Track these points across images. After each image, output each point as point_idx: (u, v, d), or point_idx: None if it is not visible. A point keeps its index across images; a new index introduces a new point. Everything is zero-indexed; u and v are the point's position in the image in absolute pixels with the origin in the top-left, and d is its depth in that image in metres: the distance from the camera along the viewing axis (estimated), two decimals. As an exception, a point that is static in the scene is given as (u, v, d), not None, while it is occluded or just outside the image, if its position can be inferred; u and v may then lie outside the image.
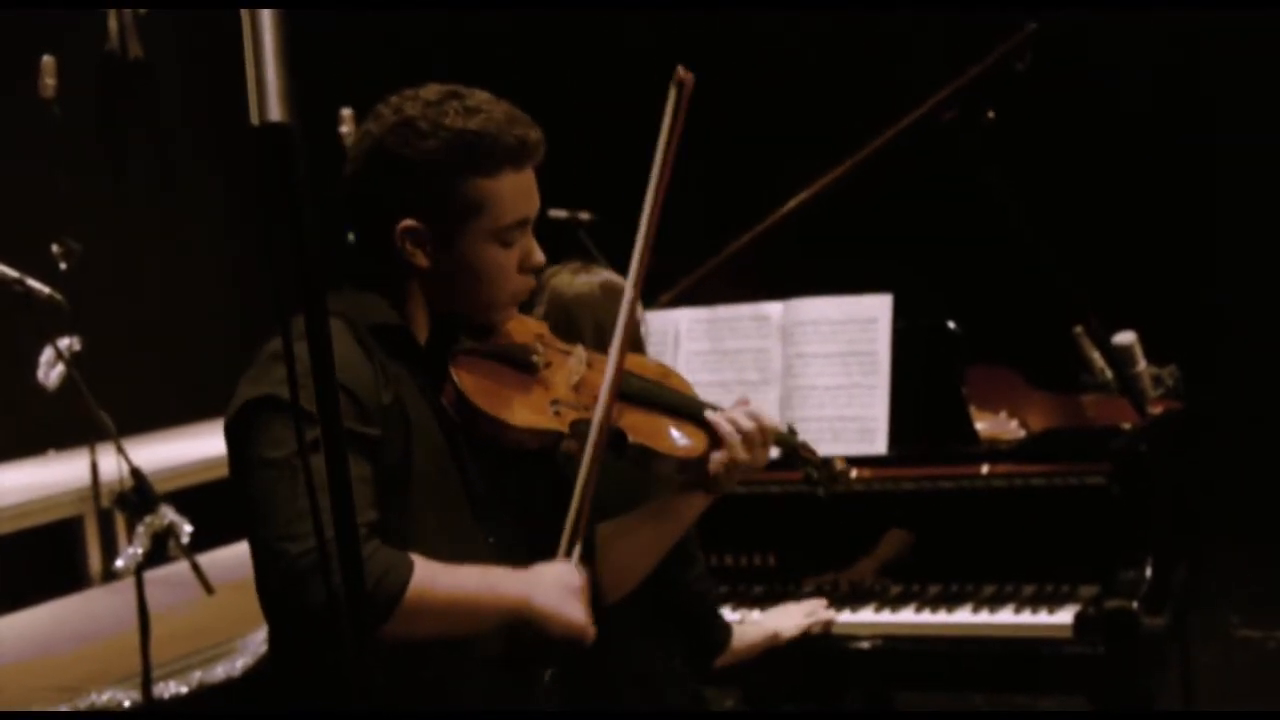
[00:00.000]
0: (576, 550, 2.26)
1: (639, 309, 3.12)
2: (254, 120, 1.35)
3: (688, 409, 2.48)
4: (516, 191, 2.28)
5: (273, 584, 2.07)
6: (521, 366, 2.35)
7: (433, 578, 2.11)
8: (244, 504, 2.12)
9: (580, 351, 2.44)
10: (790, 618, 3.31)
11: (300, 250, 1.38)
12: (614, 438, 2.35)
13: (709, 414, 2.46)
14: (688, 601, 3.00)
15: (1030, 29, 3.57)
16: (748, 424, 2.45)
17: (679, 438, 2.43)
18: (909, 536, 3.48)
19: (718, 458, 2.44)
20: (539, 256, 2.35)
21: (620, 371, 2.34)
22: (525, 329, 2.42)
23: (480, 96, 2.28)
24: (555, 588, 2.20)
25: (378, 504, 2.13)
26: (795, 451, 2.62)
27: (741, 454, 2.43)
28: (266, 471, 2.09)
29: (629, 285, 2.39)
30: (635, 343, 2.76)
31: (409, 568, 2.08)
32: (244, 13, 1.39)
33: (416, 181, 2.23)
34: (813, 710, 4.13)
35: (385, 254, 2.27)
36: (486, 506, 2.30)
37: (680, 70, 2.39)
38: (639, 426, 2.40)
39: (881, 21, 7.37)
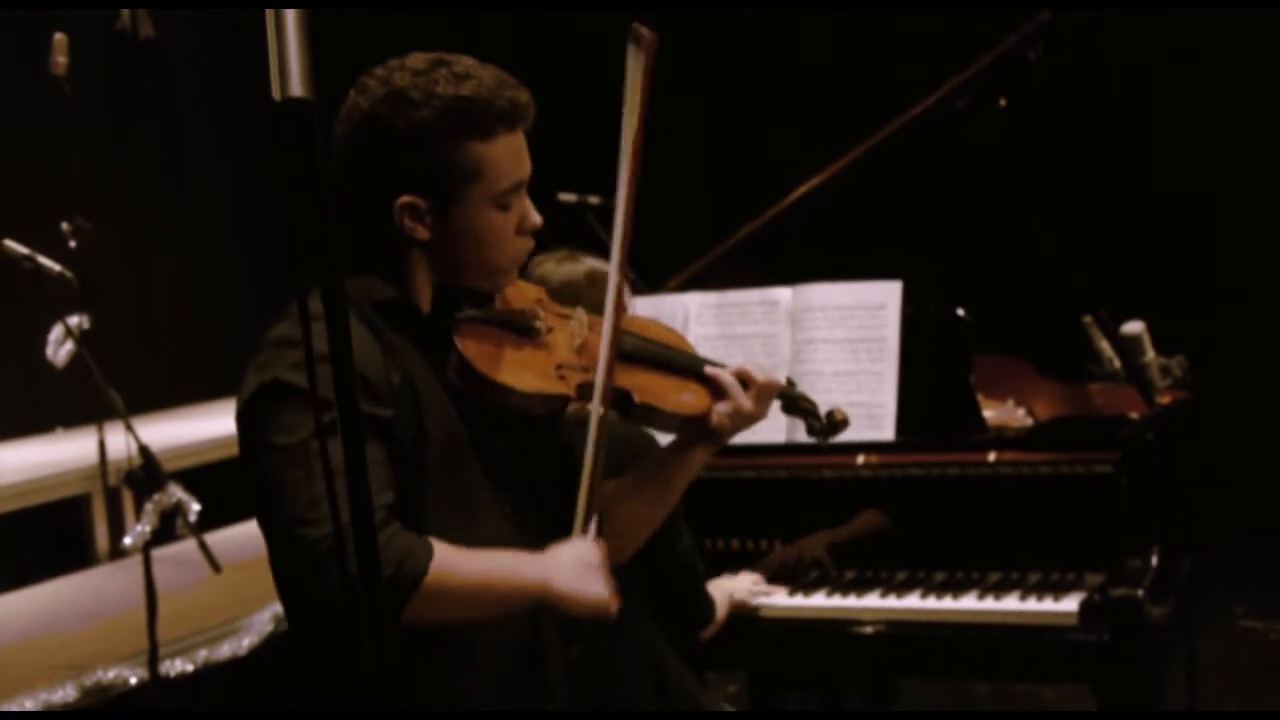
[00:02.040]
0: (593, 526, 2.26)
1: (626, 291, 3.15)
2: (276, 96, 1.36)
3: (689, 365, 2.48)
4: (510, 154, 2.27)
5: (291, 570, 2.07)
6: (523, 332, 2.34)
7: (452, 562, 2.10)
8: (256, 492, 2.11)
9: (580, 314, 2.43)
10: (741, 582, 3.39)
11: (320, 224, 1.38)
12: (620, 398, 2.35)
13: (709, 369, 2.47)
14: (676, 575, 3.01)
15: (1043, 18, 3.57)
16: (749, 375, 2.47)
17: (683, 395, 2.43)
18: (882, 520, 3.50)
19: (721, 409, 2.44)
20: (536, 217, 2.34)
21: (615, 345, 2.32)
22: (524, 294, 2.42)
23: (467, 62, 2.26)
24: (574, 569, 2.20)
25: (394, 485, 2.13)
26: (795, 402, 2.63)
27: (745, 403, 2.44)
28: (279, 457, 2.08)
29: (614, 252, 2.36)
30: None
31: (428, 552, 2.08)
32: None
33: (413, 153, 2.22)
34: (814, 710, 4.14)
35: (383, 230, 2.26)
36: (499, 476, 2.30)
37: (637, 26, 2.30)
38: (643, 386, 2.40)
39: (894, 9, 7.36)
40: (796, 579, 3.51)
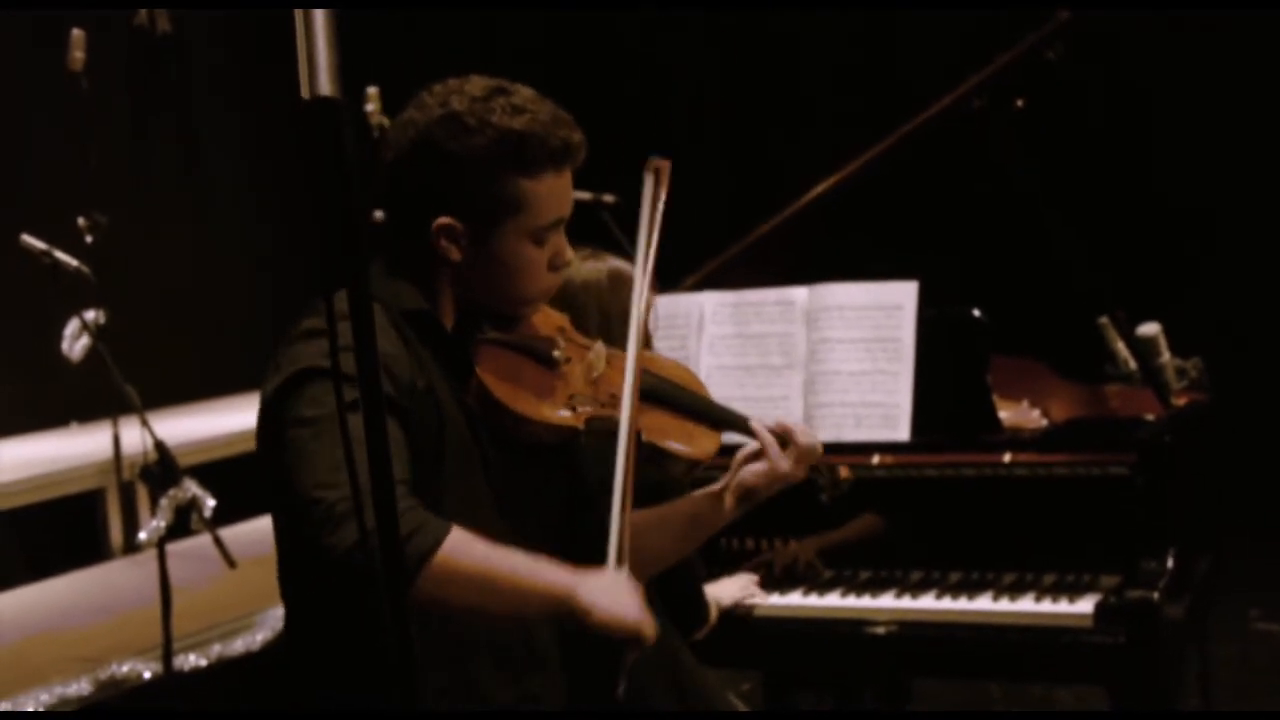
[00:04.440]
0: (626, 559, 2.22)
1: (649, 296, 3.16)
2: (304, 94, 1.36)
3: (705, 411, 2.48)
4: (555, 192, 2.30)
5: (309, 530, 2.04)
6: (542, 360, 2.36)
7: (468, 546, 2.08)
8: (280, 467, 2.11)
9: (600, 347, 2.45)
10: (725, 589, 3.38)
11: (348, 224, 1.39)
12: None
13: (754, 424, 2.47)
14: (678, 576, 3.01)
15: (1062, 17, 3.56)
16: (791, 435, 2.47)
17: (692, 439, 2.44)
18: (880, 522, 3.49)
19: (758, 469, 2.45)
20: (569, 254, 2.37)
21: (639, 378, 2.34)
22: (548, 321, 2.44)
23: (525, 94, 2.28)
24: (606, 587, 2.15)
25: (412, 469, 2.13)
26: (818, 468, 2.62)
27: (782, 465, 2.44)
28: (305, 429, 2.09)
29: (634, 312, 2.39)
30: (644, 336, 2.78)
31: (443, 529, 2.06)
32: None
33: (460, 177, 2.24)
34: (827, 710, 4.14)
35: (419, 244, 2.28)
36: (505, 498, 2.31)
37: (654, 160, 2.42)
38: (653, 426, 2.41)
39: (913, 7, 7.35)
40: (798, 579, 3.51)
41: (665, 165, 2.42)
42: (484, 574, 2.10)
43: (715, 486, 2.53)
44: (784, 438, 2.47)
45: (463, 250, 2.28)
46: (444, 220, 2.26)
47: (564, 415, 2.33)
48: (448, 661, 2.25)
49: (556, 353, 2.37)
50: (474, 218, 2.26)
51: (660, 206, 2.40)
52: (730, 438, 2.55)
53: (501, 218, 2.26)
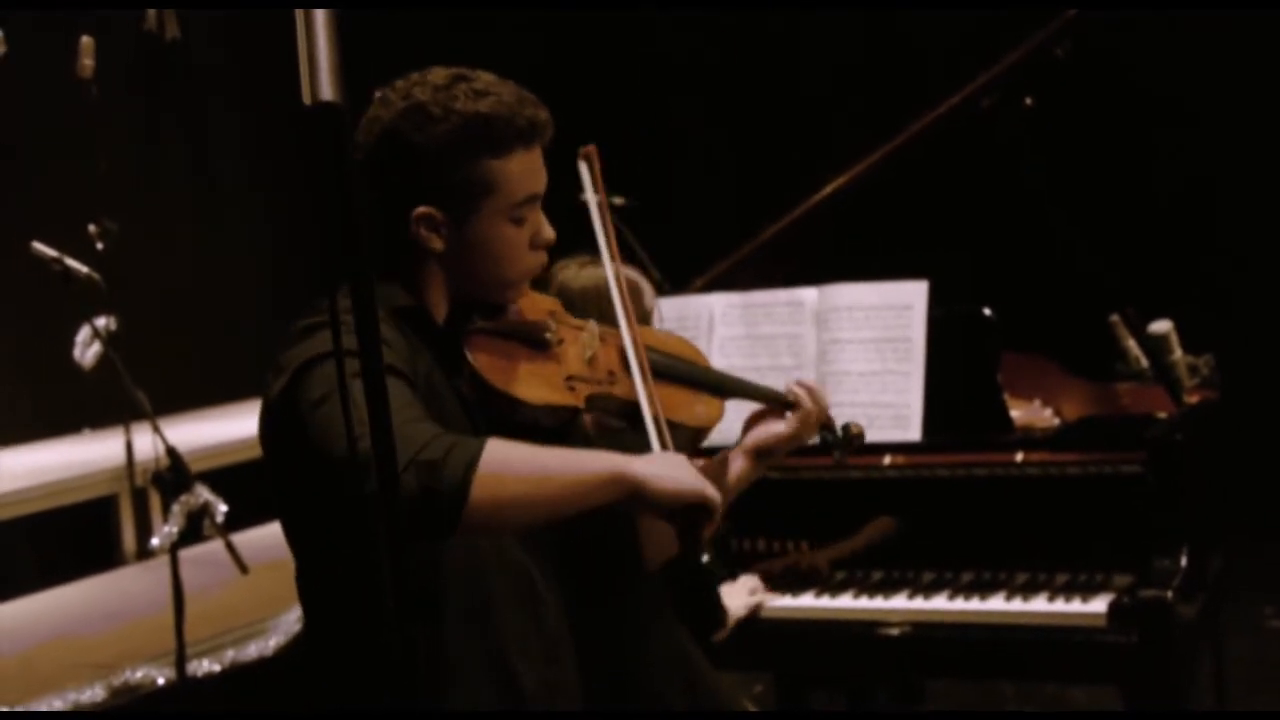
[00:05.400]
0: (669, 440, 2.26)
1: (651, 297, 3.17)
2: (305, 95, 1.36)
3: (712, 381, 2.50)
4: (526, 170, 2.31)
5: (354, 484, 1.98)
6: (534, 343, 2.37)
7: (510, 446, 2.06)
8: (307, 453, 2.08)
9: (593, 326, 2.46)
10: (735, 596, 3.37)
11: (349, 225, 1.39)
12: (629, 409, 2.37)
13: (756, 386, 2.50)
14: (695, 580, 3.00)
15: (1070, 15, 3.56)
16: (805, 395, 2.53)
17: (696, 408, 2.46)
18: (893, 523, 3.49)
19: (769, 426, 2.48)
20: (549, 232, 2.37)
21: (632, 319, 2.38)
22: (537, 306, 2.44)
23: (487, 78, 2.30)
24: (658, 460, 2.16)
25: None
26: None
27: (792, 420, 2.49)
28: (320, 408, 2.08)
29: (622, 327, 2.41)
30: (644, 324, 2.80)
31: (479, 442, 2.03)
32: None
33: (430, 166, 2.25)
34: (840, 711, 4.14)
35: (399, 239, 2.29)
36: None
37: (582, 149, 2.50)
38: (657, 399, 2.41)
39: (920, 7, 7.35)
40: (810, 581, 3.51)
41: (593, 150, 2.50)
42: (534, 467, 2.07)
43: (729, 450, 2.56)
44: (789, 394, 2.50)
45: (444, 239, 2.29)
46: (422, 210, 2.27)
47: (562, 396, 2.33)
48: (485, 657, 2.26)
49: (548, 335, 2.38)
50: (450, 204, 2.27)
51: (601, 189, 2.48)
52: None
53: (477, 201, 2.28)
